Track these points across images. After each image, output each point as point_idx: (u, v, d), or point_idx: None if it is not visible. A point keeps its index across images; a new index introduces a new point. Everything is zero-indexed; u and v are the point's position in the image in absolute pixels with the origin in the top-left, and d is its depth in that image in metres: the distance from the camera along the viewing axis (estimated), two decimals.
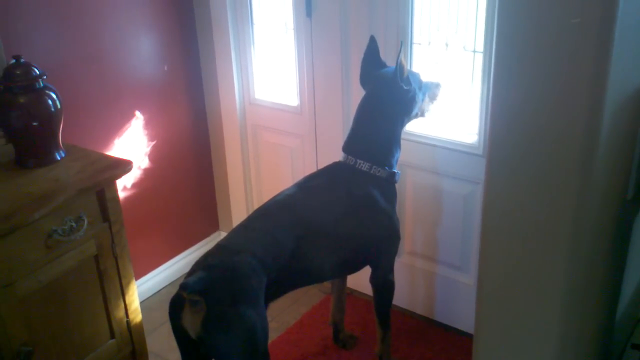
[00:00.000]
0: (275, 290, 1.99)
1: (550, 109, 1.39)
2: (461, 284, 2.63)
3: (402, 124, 2.22)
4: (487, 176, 1.54)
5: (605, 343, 2.02)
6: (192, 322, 1.79)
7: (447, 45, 2.41)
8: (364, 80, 2.22)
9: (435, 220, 2.62)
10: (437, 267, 2.70)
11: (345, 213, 2.09)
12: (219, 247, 1.96)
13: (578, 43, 1.30)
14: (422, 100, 2.22)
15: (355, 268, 2.29)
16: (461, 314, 2.65)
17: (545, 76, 1.37)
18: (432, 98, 2.27)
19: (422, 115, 2.28)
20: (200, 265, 1.89)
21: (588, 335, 1.82)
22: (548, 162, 1.43)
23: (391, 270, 2.26)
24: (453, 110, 2.46)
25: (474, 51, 2.34)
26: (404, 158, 2.51)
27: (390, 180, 2.18)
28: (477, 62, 2.34)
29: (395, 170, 2.20)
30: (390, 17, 2.41)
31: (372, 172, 2.14)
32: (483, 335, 1.71)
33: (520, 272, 1.57)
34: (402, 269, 2.78)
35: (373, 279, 2.26)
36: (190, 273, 1.89)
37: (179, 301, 1.82)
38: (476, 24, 2.30)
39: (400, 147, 2.22)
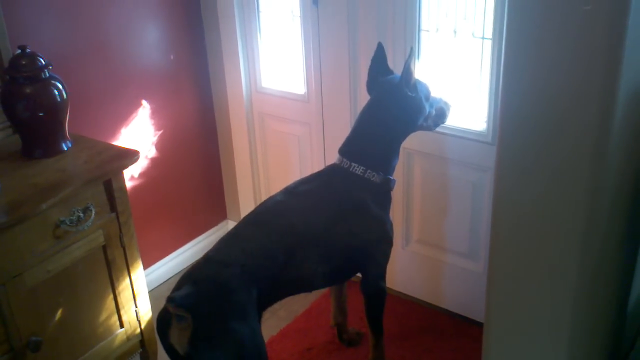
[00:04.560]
0: (268, 300, 1.96)
1: (561, 97, 1.37)
2: (470, 271, 2.62)
3: (404, 133, 2.15)
4: (497, 165, 1.52)
5: (617, 332, 2.01)
6: (179, 339, 1.75)
7: (455, 32, 2.38)
8: (370, 87, 2.17)
9: (444, 208, 2.61)
10: (445, 255, 2.69)
11: (335, 219, 2.03)
12: (207, 259, 1.92)
13: (590, 30, 1.28)
14: (429, 112, 2.14)
15: (347, 276, 2.24)
16: (470, 301, 2.64)
17: (557, 64, 1.35)
18: (442, 117, 2.19)
19: (430, 129, 2.21)
20: (187, 279, 1.85)
21: (600, 325, 1.81)
22: (560, 150, 1.42)
23: (382, 277, 2.18)
24: (462, 98, 2.44)
25: (483, 38, 2.32)
26: (413, 145, 2.49)
27: (384, 187, 2.11)
28: (486, 49, 2.31)
29: (391, 177, 2.13)
30: (398, 4, 2.38)
31: (366, 176, 2.07)
32: (494, 324, 1.70)
33: (531, 261, 1.56)
34: (411, 257, 2.78)
35: (363, 286, 2.19)
36: (177, 287, 1.86)
37: (166, 316, 1.78)
38: (485, 11, 2.28)
39: (398, 156, 2.16)
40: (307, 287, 2.15)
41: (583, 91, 1.34)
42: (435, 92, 2.21)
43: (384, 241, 2.14)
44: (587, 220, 1.44)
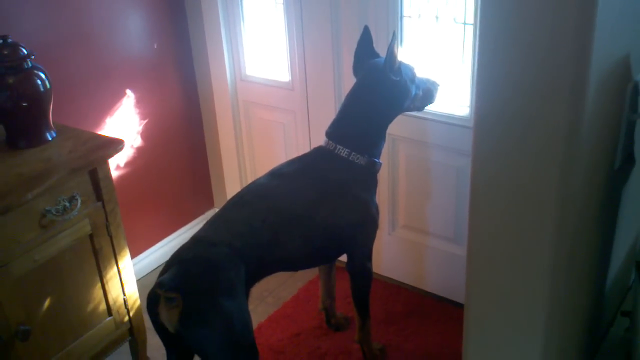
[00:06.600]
0: (255, 277, 1.99)
1: (534, 79, 1.39)
2: (455, 255, 2.65)
3: (390, 116, 2.16)
4: (474, 146, 1.54)
5: (596, 310, 2.05)
6: (169, 318, 1.78)
7: (437, 17, 2.40)
8: (357, 70, 2.18)
9: (428, 193, 2.63)
10: (431, 240, 2.72)
11: (319, 199, 2.06)
12: (194, 240, 1.95)
13: (561, 12, 1.30)
14: (415, 94, 2.15)
15: (332, 257, 2.27)
16: (455, 285, 2.68)
17: (529, 46, 1.37)
18: (429, 97, 2.20)
19: (418, 109, 2.23)
20: (176, 259, 1.88)
21: (578, 303, 1.84)
22: (533, 131, 1.44)
23: (368, 258, 2.22)
24: (445, 83, 2.45)
25: (465, 23, 2.33)
26: (397, 131, 2.51)
27: (369, 169, 2.13)
28: (468, 35, 2.33)
29: (376, 160, 2.15)
30: None
31: (350, 158, 2.09)
32: (473, 305, 1.73)
33: (508, 242, 1.58)
34: (397, 242, 2.80)
35: (349, 267, 2.22)
36: (165, 268, 1.88)
37: (155, 297, 1.81)
38: None
39: (384, 139, 2.18)
40: (294, 266, 2.20)
41: (556, 73, 1.35)
42: (421, 73, 2.22)
43: (368, 222, 2.17)
44: (563, 202, 1.47)
